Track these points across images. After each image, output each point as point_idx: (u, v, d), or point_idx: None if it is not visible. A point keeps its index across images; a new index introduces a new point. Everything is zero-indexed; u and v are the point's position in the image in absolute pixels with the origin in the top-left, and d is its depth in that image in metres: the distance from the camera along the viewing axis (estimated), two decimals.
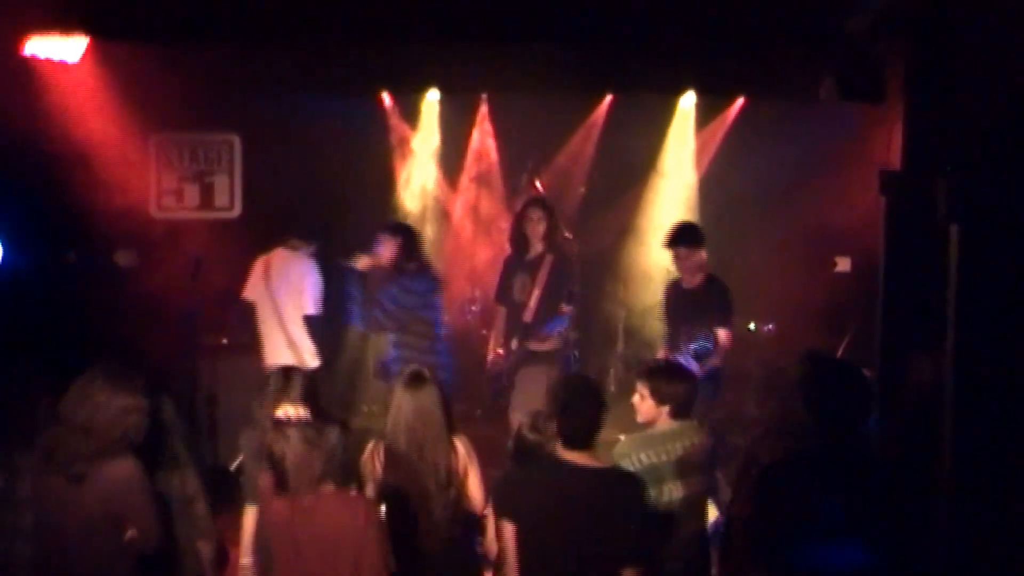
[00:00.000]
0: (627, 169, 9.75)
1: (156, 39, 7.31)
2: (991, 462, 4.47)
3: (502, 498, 4.33)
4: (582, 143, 9.78)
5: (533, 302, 6.99)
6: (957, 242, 4.61)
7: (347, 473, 4.71)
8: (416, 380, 4.68)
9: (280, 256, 7.18)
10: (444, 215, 10.03)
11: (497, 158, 9.88)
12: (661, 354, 6.84)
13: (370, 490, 4.60)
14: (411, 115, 9.68)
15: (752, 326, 8.64)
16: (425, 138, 9.80)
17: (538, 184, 9.28)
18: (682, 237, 6.89)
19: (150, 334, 7.42)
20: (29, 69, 7.31)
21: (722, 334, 6.68)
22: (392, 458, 4.60)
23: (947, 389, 4.62)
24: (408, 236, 6.85)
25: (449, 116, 9.69)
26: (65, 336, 7.12)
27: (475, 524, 4.81)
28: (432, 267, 6.93)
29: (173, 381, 7.59)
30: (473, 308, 9.43)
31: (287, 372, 4.95)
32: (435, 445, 4.54)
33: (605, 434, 4.35)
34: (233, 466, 6.77)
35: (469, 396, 8.56)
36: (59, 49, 7.28)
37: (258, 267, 7.21)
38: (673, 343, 6.78)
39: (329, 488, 4.04)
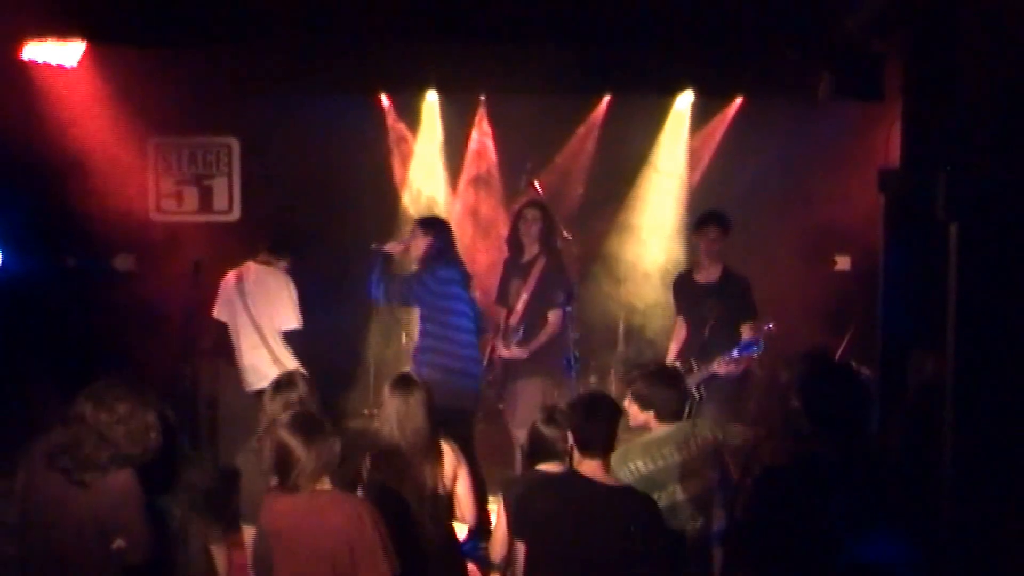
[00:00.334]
0: (626, 169, 9.74)
1: (154, 43, 7.31)
2: (992, 460, 4.47)
3: (516, 514, 4.34)
4: (581, 143, 9.76)
5: (520, 306, 6.96)
6: (956, 240, 4.60)
7: (343, 475, 4.74)
8: (404, 383, 4.69)
9: (253, 271, 6.93)
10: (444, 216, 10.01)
11: (496, 159, 9.87)
12: (672, 356, 6.73)
13: (359, 493, 4.59)
14: (409, 116, 9.66)
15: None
16: (423, 139, 9.78)
17: (537, 185, 9.26)
18: (715, 217, 6.80)
19: (150, 337, 7.43)
20: (27, 73, 7.32)
21: (746, 330, 6.57)
22: (376, 461, 4.60)
23: (947, 387, 4.61)
24: (439, 234, 6.69)
25: (447, 117, 9.67)
26: (65, 340, 7.13)
27: (477, 529, 4.81)
28: (462, 266, 6.77)
29: (173, 384, 7.61)
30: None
31: (287, 379, 4.95)
32: (419, 449, 4.53)
33: None
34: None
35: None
36: (57, 53, 7.29)
37: (229, 283, 6.95)
38: (696, 342, 6.61)
39: (326, 486, 4.02)
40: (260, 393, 6.78)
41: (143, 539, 4.20)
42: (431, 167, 9.86)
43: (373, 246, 6.87)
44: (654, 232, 9.66)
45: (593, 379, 8.88)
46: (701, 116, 9.51)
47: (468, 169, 10.00)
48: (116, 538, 4.16)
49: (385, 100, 9.56)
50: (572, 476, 4.28)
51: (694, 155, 9.64)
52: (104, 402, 4.21)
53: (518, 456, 5.12)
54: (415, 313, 8.36)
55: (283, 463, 3.99)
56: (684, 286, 6.92)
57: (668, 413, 4.78)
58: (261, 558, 4.17)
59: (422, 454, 4.53)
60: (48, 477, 4.16)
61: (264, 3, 6.92)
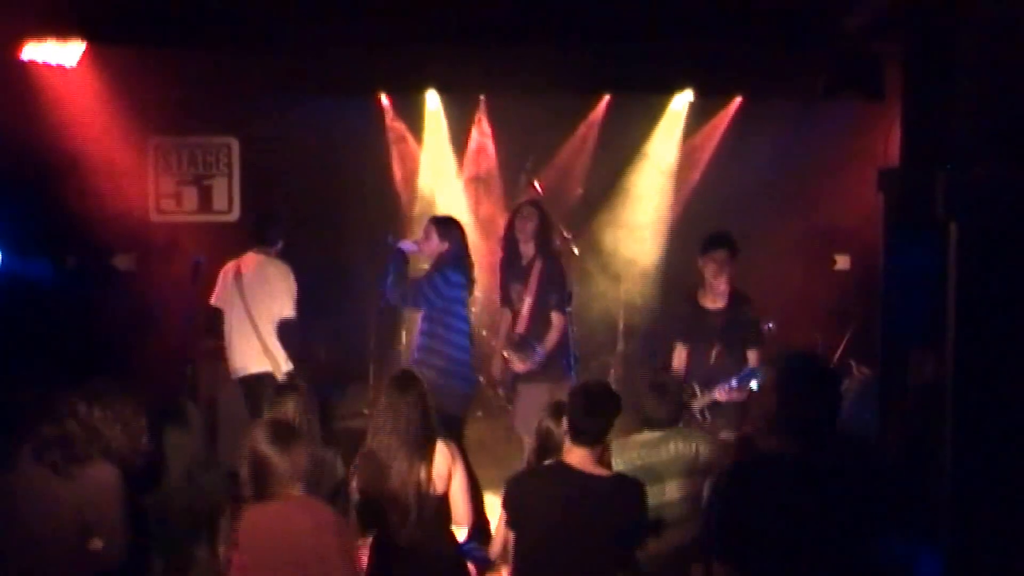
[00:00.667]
0: (625, 169, 9.75)
1: (153, 43, 7.31)
2: (992, 460, 4.47)
3: (507, 502, 4.39)
4: (580, 143, 9.78)
5: (525, 310, 6.88)
6: (956, 239, 4.60)
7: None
8: (402, 381, 4.68)
9: (253, 260, 6.96)
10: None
11: (495, 159, 9.88)
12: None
13: (353, 489, 4.63)
14: (409, 116, 9.67)
15: None
16: (423, 139, 9.79)
17: (536, 184, 9.27)
18: (723, 240, 6.50)
19: (149, 337, 7.43)
20: (27, 74, 7.32)
21: (752, 357, 6.42)
22: (365, 458, 4.61)
23: (947, 386, 4.61)
24: (455, 237, 6.67)
25: (447, 117, 9.68)
26: (65, 340, 7.13)
27: (475, 529, 4.81)
28: (471, 271, 6.74)
29: (172, 385, 7.62)
30: (472, 310, 9.40)
31: (288, 386, 4.98)
32: (409, 448, 4.53)
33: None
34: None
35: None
36: (57, 54, 7.29)
37: (228, 272, 6.99)
38: (701, 368, 6.41)
39: (297, 492, 4.00)
40: (244, 380, 6.90)
41: (121, 540, 4.19)
42: (430, 167, 9.88)
43: (390, 239, 6.87)
44: (653, 231, 9.68)
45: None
46: (701, 116, 9.52)
47: (468, 169, 10.02)
48: (94, 537, 4.16)
49: (385, 100, 9.58)
50: (559, 466, 4.32)
51: (693, 154, 9.65)
52: (99, 401, 4.24)
53: (525, 458, 5.10)
54: (417, 313, 8.41)
55: (259, 472, 3.98)
56: (690, 311, 6.60)
57: (655, 421, 4.88)
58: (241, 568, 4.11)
59: (413, 452, 4.53)
60: (34, 470, 4.17)
61: (264, 4, 6.92)
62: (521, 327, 6.89)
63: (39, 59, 7.28)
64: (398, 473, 4.50)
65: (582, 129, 9.72)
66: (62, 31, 7.17)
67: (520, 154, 9.40)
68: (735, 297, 6.53)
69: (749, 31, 7.05)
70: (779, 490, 3.69)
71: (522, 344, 6.87)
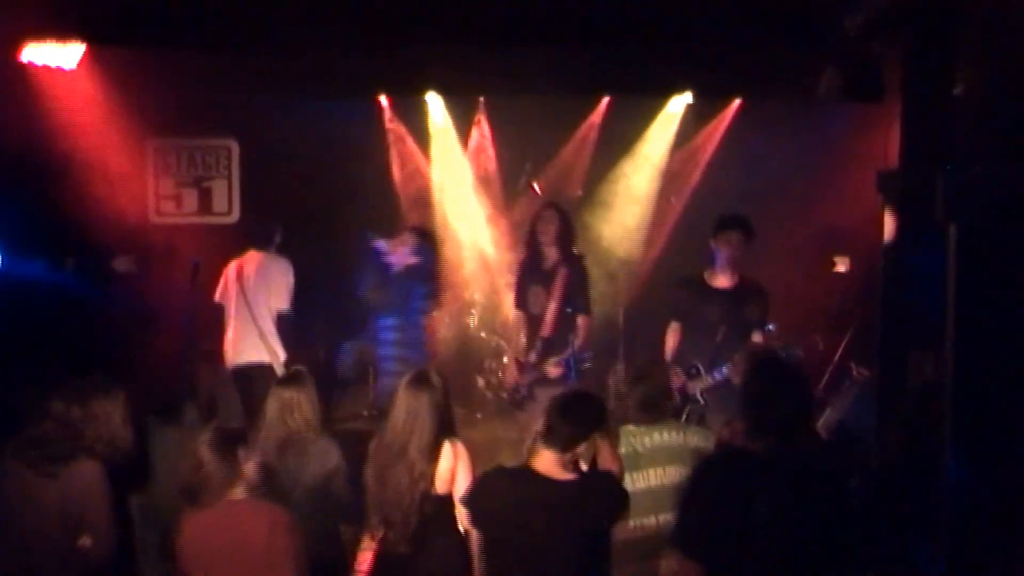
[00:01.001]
0: (625, 170, 9.75)
1: (153, 45, 7.31)
2: (991, 461, 4.47)
3: (468, 502, 4.38)
4: (580, 145, 9.78)
5: (550, 316, 6.88)
6: (955, 241, 4.60)
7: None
8: (417, 381, 4.67)
9: (254, 257, 7.28)
10: (443, 219, 10.02)
11: (495, 160, 9.88)
12: (670, 360, 6.59)
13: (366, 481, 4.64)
14: (409, 118, 9.68)
15: None
16: (423, 140, 9.80)
17: (536, 186, 9.27)
18: (738, 221, 6.50)
19: (149, 339, 7.43)
20: (26, 76, 7.32)
21: (758, 338, 6.40)
22: (374, 454, 4.62)
23: (946, 388, 4.61)
24: (427, 251, 6.83)
25: (446, 119, 9.68)
26: (65, 342, 7.12)
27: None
28: (437, 283, 6.83)
29: (172, 386, 7.61)
30: (472, 311, 9.42)
31: (292, 377, 5.02)
32: (417, 446, 4.53)
33: None
34: None
35: (470, 399, 8.56)
36: (56, 56, 7.30)
37: (231, 270, 7.30)
38: (706, 348, 6.38)
39: (238, 495, 3.99)
40: (237, 370, 7.04)
41: (108, 536, 4.20)
42: (430, 168, 9.88)
43: (368, 234, 6.99)
44: (653, 232, 9.68)
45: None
46: (700, 117, 9.52)
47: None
48: (82, 534, 4.16)
49: (384, 102, 9.58)
50: (524, 471, 4.25)
51: (693, 156, 9.66)
52: (78, 399, 4.26)
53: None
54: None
55: (192, 476, 3.99)
56: (695, 289, 6.56)
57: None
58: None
59: (420, 450, 4.53)
60: (15, 470, 4.18)
61: (264, 5, 6.92)
62: (546, 331, 6.89)
63: (39, 61, 7.28)
64: (405, 470, 4.50)
65: (582, 130, 9.73)
66: (62, 33, 7.17)
67: (520, 155, 9.40)
68: (743, 280, 6.50)
69: (748, 33, 7.05)
70: (741, 487, 3.67)
71: (550, 348, 6.85)
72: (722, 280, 6.52)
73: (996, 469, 4.45)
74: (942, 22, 5.30)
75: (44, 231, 7.44)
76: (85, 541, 4.18)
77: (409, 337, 6.80)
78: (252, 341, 7.08)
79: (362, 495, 4.76)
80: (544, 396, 6.72)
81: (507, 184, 9.76)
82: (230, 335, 7.20)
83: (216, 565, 3.94)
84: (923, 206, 5.03)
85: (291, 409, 4.89)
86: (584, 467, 4.41)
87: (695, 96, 9.19)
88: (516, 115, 9.22)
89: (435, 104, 9.54)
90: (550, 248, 6.96)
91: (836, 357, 8.09)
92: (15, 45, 7.15)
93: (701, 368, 6.36)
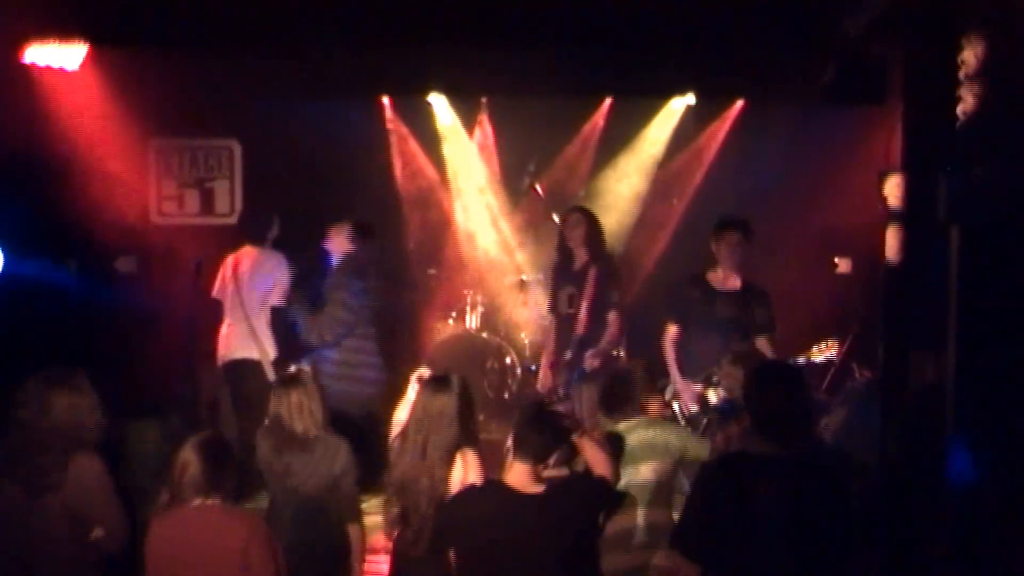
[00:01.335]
0: (627, 171, 9.76)
1: (156, 46, 7.32)
2: (993, 462, 4.47)
3: (440, 523, 4.32)
4: (582, 146, 9.80)
5: (583, 314, 6.95)
6: (957, 243, 4.60)
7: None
8: (436, 384, 4.66)
9: (249, 252, 7.13)
10: (445, 219, 10.04)
11: (497, 161, 9.89)
12: (676, 372, 6.53)
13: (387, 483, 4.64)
14: (411, 118, 9.68)
15: None
16: (425, 141, 9.81)
17: (538, 188, 9.28)
18: (735, 222, 6.49)
19: (151, 340, 7.44)
20: (29, 76, 7.33)
21: (763, 345, 6.34)
22: (396, 457, 4.62)
23: (948, 390, 4.62)
24: (365, 246, 6.74)
25: (449, 120, 9.69)
26: (66, 343, 7.12)
27: None
28: (367, 275, 6.74)
29: (174, 387, 7.62)
30: (476, 313, 9.43)
31: (293, 378, 5.01)
32: (434, 451, 4.53)
33: None
34: None
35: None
36: (59, 56, 7.30)
37: (228, 265, 7.16)
38: (717, 354, 6.10)
39: (215, 502, 3.94)
40: (227, 366, 6.99)
41: (119, 524, 4.18)
42: (432, 169, 9.89)
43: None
44: (655, 233, 9.68)
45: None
46: (703, 119, 9.53)
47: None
48: (93, 528, 4.14)
49: (387, 103, 9.60)
50: (494, 486, 4.22)
51: (695, 158, 9.66)
52: (36, 403, 4.17)
53: None
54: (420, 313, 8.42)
55: (178, 476, 3.93)
56: (697, 291, 6.48)
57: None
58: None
59: (437, 455, 4.52)
60: (9, 490, 4.12)
61: (266, 6, 6.92)
62: (580, 329, 6.96)
63: (41, 62, 7.29)
64: (425, 473, 4.49)
65: (584, 131, 9.74)
66: (64, 34, 7.18)
67: (522, 156, 9.41)
68: (748, 283, 6.50)
69: (750, 34, 7.05)
70: (743, 489, 3.70)
71: (585, 346, 6.93)
72: (728, 282, 6.50)
73: (998, 470, 4.45)
74: (944, 23, 5.30)
75: (46, 231, 7.44)
76: (98, 533, 4.17)
77: (369, 352, 6.67)
78: (244, 337, 6.96)
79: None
80: (589, 391, 6.74)
81: (510, 185, 9.77)
82: (224, 330, 7.11)
83: (185, 570, 3.89)
84: (925, 208, 5.03)
85: (300, 409, 4.86)
86: (575, 470, 4.44)
87: (697, 98, 9.20)
88: (519, 116, 9.23)
89: (440, 104, 9.55)
90: (579, 250, 7.10)
91: (838, 359, 8.08)
92: (18, 46, 7.16)
93: (714, 378, 6.32)
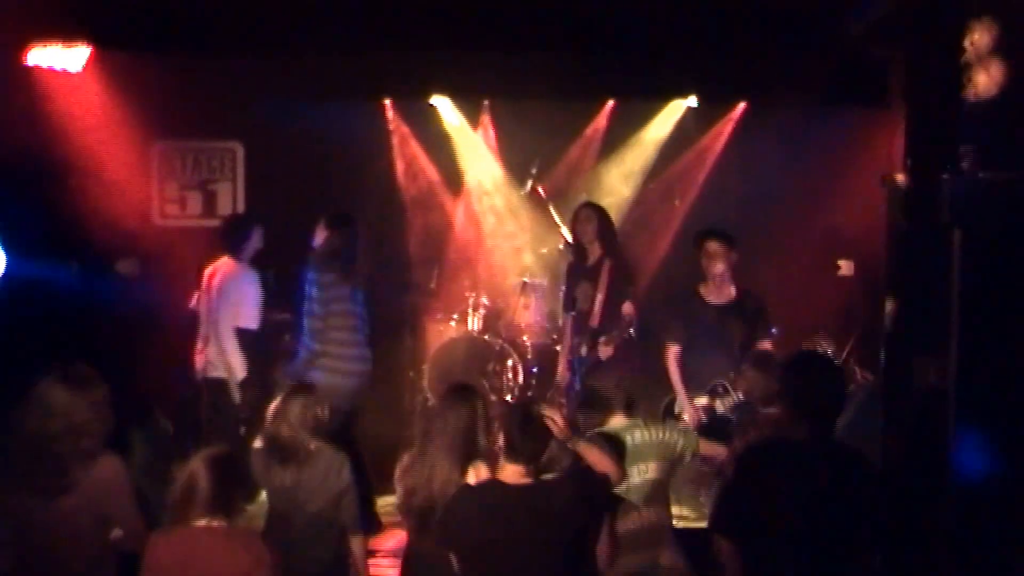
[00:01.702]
0: (628, 173, 9.76)
1: (158, 48, 7.33)
2: (994, 464, 4.46)
3: (440, 525, 4.29)
4: (584, 148, 9.80)
5: (598, 307, 7.00)
6: (959, 245, 4.60)
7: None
8: (454, 392, 4.66)
9: (224, 265, 6.94)
10: (447, 221, 10.04)
11: (500, 164, 9.89)
12: (680, 386, 6.57)
13: (400, 490, 4.63)
14: (413, 120, 9.69)
15: None
16: (427, 143, 9.81)
17: (540, 190, 9.28)
18: (713, 232, 6.59)
19: (153, 342, 7.44)
20: (32, 79, 7.33)
21: (766, 345, 6.40)
22: (412, 461, 4.61)
23: (950, 393, 4.61)
24: (340, 234, 6.61)
25: (451, 122, 9.70)
26: (68, 344, 7.12)
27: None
28: (356, 267, 6.65)
29: (177, 389, 7.61)
30: (480, 312, 9.42)
31: (290, 392, 4.98)
32: (450, 459, 4.51)
33: None
34: None
35: None
36: (61, 59, 7.32)
37: (207, 275, 7.01)
38: (728, 365, 6.37)
39: (220, 524, 3.86)
40: (205, 382, 6.91)
41: (138, 525, 4.16)
42: (434, 171, 9.90)
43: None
44: (656, 236, 9.68)
45: None
46: (705, 122, 9.53)
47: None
48: (112, 527, 4.13)
49: (389, 105, 9.60)
50: (491, 484, 4.24)
51: (698, 159, 9.66)
52: (46, 410, 4.11)
53: None
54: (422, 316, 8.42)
55: (185, 492, 3.86)
56: (695, 308, 6.59)
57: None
58: None
59: (453, 464, 4.51)
60: (26, 499, 4.09)
61: (268, 9, 6.93)
62: (595, 321, 7.02)
63: (44, 64, 7.30)
64: (437, 482, 4.48)
65: (586, 134, 9.74)
66: (67, 36, 7.19)
67: (525, 159, 9.41)
68: (741, 292, 6.52)
69: (752, 37, 7.05)
70: (786, 472, 3.86)
71: (597, 336, 6.97)
72: (721, 293, 6.53)
73: (1000, 473, 4.44)
74: (947, 26, 5.29)
75: (48, 233, 7.45)
76: (116, 533, 4.16)
77: (354, 344, 6.59)
78: (214, 356, 6.80)
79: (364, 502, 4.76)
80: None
81: (512, 187, 9.77)
82: (199, 345, 6.97)
83: None
84: (928, 210, 5.02)
85: (304, 422, 4.83)
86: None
87: (700, 100, 9.20)
88: (521, 118, 9.23)
89: (445, 106, 9.56)
90: (592, 244, 7.17)
91: (840, 361, 8.07)
92: (21, 48, 7.17)
93: (728, 385, 6.35)
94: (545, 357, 8.75)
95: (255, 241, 7.02)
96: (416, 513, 4.54)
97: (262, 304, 6.84)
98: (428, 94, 9.29)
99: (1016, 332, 4.49)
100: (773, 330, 6.56)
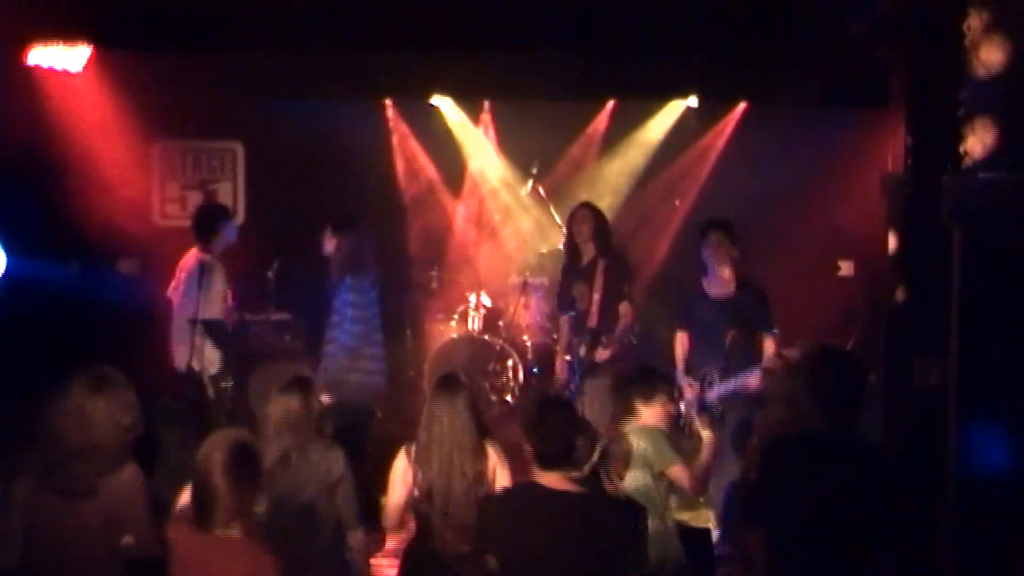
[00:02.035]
0: (629, 173, 9.77)
1: (159, 48, 7.33)
2: (995, 464, 4.47)
3: (482, 530, 4.23)
4: (585, 148, 9.80)
5: (595, 307, 6.97)
6: (960, 245, 4.61)
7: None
8: (450, 384, 4.64)
9: (193, 258, 6.79)
10: (447, 221, 10.05)
11: (502, 163, 9.90)
12: (681, 371, 6.58)
13: (399, 493, 4.58)
14: (413, 120, 9.69)
15: None
16: (427, 143, 9.82)
17: (541, 190, 9.29)
18: (715, 223, 6.55)
19: (154, 342, 7.43)
20: (33, 79, 7.34)
21: (769, 345, 6.34)
22: (423, 464, 4.54)
23: (951, 392, 4.62)
24: (349, 239, 6.61)
25: (458, 120, 9.71)
26: (69, 344, 7.13)
27: None
28: (372, 269, 6.69)
29: (177, 388, 7.62)
30: (480, 312, 9.43)
31: (293, 384, 4.96)
32: (466, 450, 4.51)
33: None
34: None
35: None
36: (62, 59, 7.32)
37: (179, 267, 6.90)
38: (717, 357, 6.34)
39: (237, 534, 3.81)
40: (181, 376, 6.78)
41: (150, 533, 4.17)
42: (435, 172, 9.90)
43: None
44: (657, 236, 9.69)
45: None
46: (705, 122, 9.53)
47: (472, 174, 10.04)
48: (124, 534, 4.14)
49: (389, 105, 9.61)
50: (532, 487, 4.11)
51: (698, 159, 9.67)
52: (75, 413, 4.09)
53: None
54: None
55: (203, 499, 3.79)
56: (695, 301, 6.60)
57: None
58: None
59: (470, 454, 4.50)
60: (47, 497, 4.09)
61: (268, 9, 6.94)
62: (592, 322, 6.97)
63: (45, 64, 7.31)
64: (459, 475, 4.47)
65: (587, 134, 9.75)
66: (68, 36, 7.19)
67: (525, 159, 9.42)
68: (742, 282, 6.54)
69: (752, 37, 7.06)
70: (814, 463, 3.97)
71: (597, 338, 6.93)
72: (718, 288, 6.54)
73: (1001, 473, 4.45)
74: (947, 26, 5.30)
75: (49, 233, 7.46)
76: (128, 540, 4.16)
77: (376, 343, 6.63)
78: (187, 350, 6.65)
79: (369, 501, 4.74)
80: (591, 387, 6.77)
81: (513, 187, 9.77)
82: (173, 340, 6.83)
83: None
84: (928, 210, 5.03)
85: (300, 418, 4.82)
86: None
87: (700, 100, 9.20)
88: (522, 118, 9.24)
89: (447, 106, 9.57)
90: (587, 245, 7.12)
91: None
92: (22, 48, 7.17)
93: (716, 377, 6.37)
94: (545, 357, 8.75)
95: (226, 235, 6.89)
96: (425, 513, 4.52)
97: (224, 295, 6.75)
98: (429, 94, 9.29)
99: (1016, 330, 4.49)
100: (775, 331, 6.54)
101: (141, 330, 7.65)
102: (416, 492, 4.52)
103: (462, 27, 7.02)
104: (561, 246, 8.52)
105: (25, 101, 7.26)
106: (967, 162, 4.66)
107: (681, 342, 6.70)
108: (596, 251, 7.07)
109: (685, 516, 5.06)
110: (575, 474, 4.11)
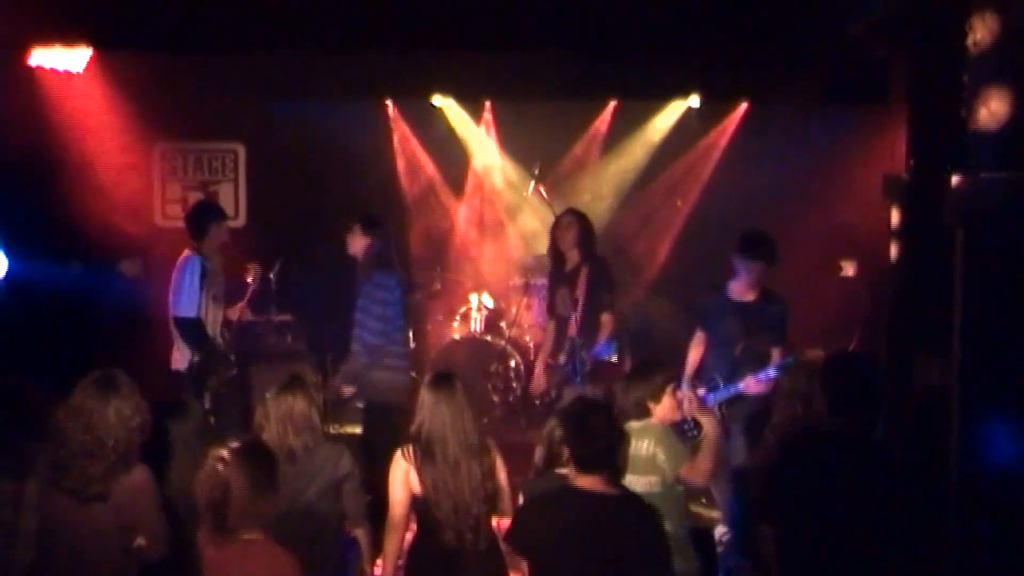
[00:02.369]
0: (631, 173, 9.77)
1: (160, 49, 7.33)
2: (997, 465, 4.46)
3: (514, 531, 4.21)
4: (586, 148, 9.81)
5: (578, 314, 6.94)
6: (962, 245, 4.59)
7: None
8: (446, 381, 4.63)
9: (180, 258, 6.79)
10: (449, 222, 10.05)
11: (503, 163, 9.91)
12: (691, 371, 6.58)
13: (401, 496, 4.56)
14: (415, 122, 9.70)
15: None
16: (428, 143, 9.83)
17: (542, 191, 9.29)
18: (763, 251, 6.41)
19: (155, 342, 7.44)
20: (34, 80, 7.35)
21: (775, 354, 6.38)
22: (428, 464, 4.53)
23: (953, 393, 4.60)
24: (378, 237, 6.62)
25: (453, 122, 9.71)
26: (71, 345, 7.14)
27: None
28: (398, 268, 6.71)
29: (179, 388, 7.62)
30: (480, 314, 9.43)
31: (292, 382, 4.94)
32: (472, 447, 4.50)
33: None
34: None
35: (476, 403, 8.57)
36: (64, 60, 7.33)
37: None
38: (725, 360, 6.40)
39: (258, 536, 3.83)
40: (172, 374, 6.78)
41: (161, 535, 4.18)
42: (437, 172, 9.91)
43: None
44: (659, 236, 9.70)
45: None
46: (707, 121, 9.54)
47: (473, 174, 10.05)
48: (136, 535, 4.15)
49: (391, 106, 9.62)
50: (569, 491, 4.10)
51: (700, 159, 9.68)
52: (85, 416, 4.12)
53: (533, 464, 5.05)
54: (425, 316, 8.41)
55: (217, 500, 3.80)
56: (716, 303, 6.59)
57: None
58: None
59: (475, 449, 4.50)
60: (59, 499, 4.11)
61: (270, 10, 6.94)
62: (573, 331, 6.93)
63: (46, 65, 7.31)
64: (466, 472, 4.47)
65: (588, 134, 9.76)
66: (69, 37, 7.20)
67: (526, 159, 9.42)
68: (765, 293, 6.53)
69: (754, 37, 7.05)
70: (824, 464, 4.03)
71: (577, 346, 6.88)
72: (743, 293, 6.53)
73: (1003, 473, 4.44)
74: (949, 25, 5.29)
75: (50, 234, 7.46)
76: (140, 541, 4.17)
77: (398, 341, 6.66)
78: (173, 348, 6.69)
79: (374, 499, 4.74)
80: (570, 396, 6.75)
81: (513, 187, 9.78)
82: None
83: None
84: (930, 210, 5.02)
85: (302, 418, 4.81)
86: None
87: (702, 100, 9.21)
88: (523, 119, 9.24)
89: (449, 106, 9.57)
90: (571, 251, 7.09)
91: None
92: (23, 49, 7.18)
93: (720, 380, 6.38)
94: None
95: (216, 234, 6.83)
96: (429, 511, 4.51)
97: (208, 294, 6.70)
98: (430, 94, 9.30)
99: (1019, 331, 4.47)
100: (785, 343, 6.54)
101: (142, 331, 7.66)
102: (420, 492, 4.52)
103: (463, 27, 7.01)
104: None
105: (26, 102, 7.27)
106: (981, 130, 4.62)
107: (697, 345, 6.67)
108: (580, 258, 7.04)
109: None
110: (610, 477, 4.11)
